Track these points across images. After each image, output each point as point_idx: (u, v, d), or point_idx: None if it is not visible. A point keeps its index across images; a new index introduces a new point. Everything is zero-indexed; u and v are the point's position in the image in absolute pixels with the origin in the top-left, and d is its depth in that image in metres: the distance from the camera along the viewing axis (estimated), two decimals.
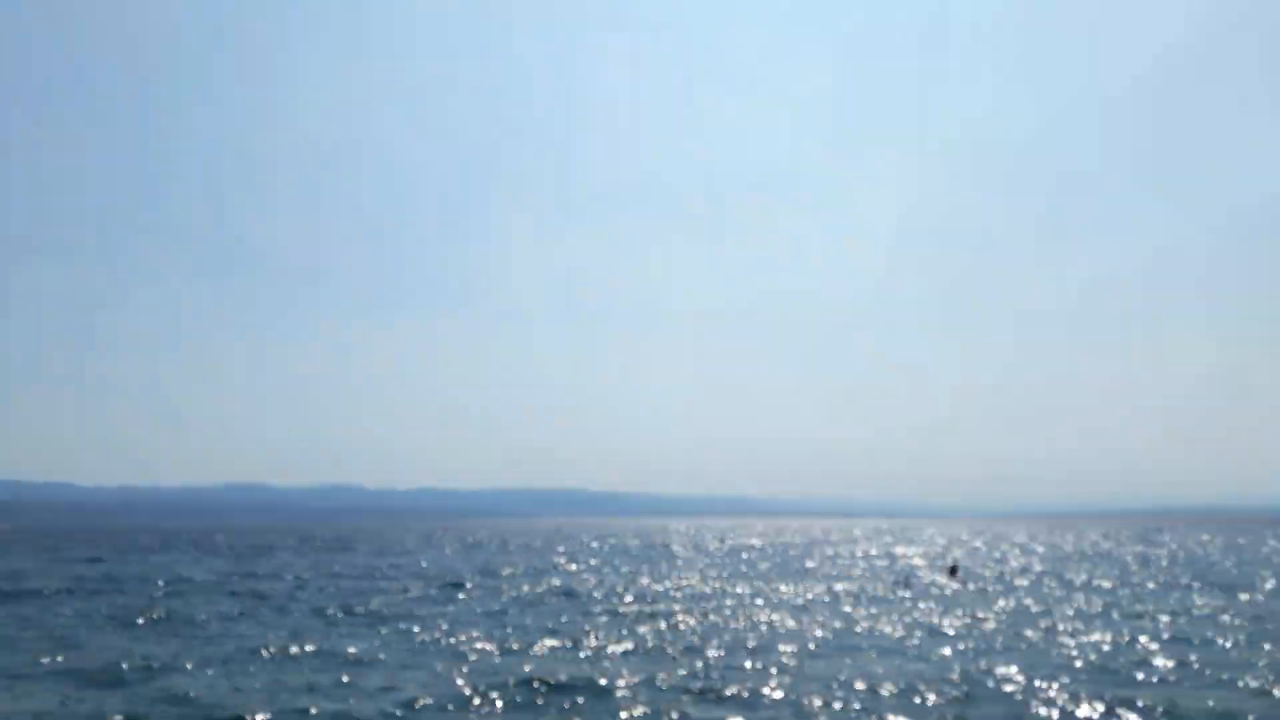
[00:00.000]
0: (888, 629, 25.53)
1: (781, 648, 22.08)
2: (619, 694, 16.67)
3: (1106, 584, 40.63)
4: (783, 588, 39.44)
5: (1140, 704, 15.50)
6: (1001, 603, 32.73)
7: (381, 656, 20.90)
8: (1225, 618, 27.52)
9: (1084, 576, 45.36)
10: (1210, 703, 15.79)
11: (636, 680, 17.87)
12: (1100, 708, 15.41)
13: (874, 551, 77.93)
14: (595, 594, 35.95)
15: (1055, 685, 17.23)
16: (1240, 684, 17.35)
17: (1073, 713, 15.26)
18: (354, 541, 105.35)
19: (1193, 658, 20.26)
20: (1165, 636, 23.63)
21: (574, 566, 55.10)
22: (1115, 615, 28.46)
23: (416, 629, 25.68)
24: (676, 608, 30.91)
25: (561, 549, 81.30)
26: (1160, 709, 15.28)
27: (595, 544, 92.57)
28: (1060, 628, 25.44)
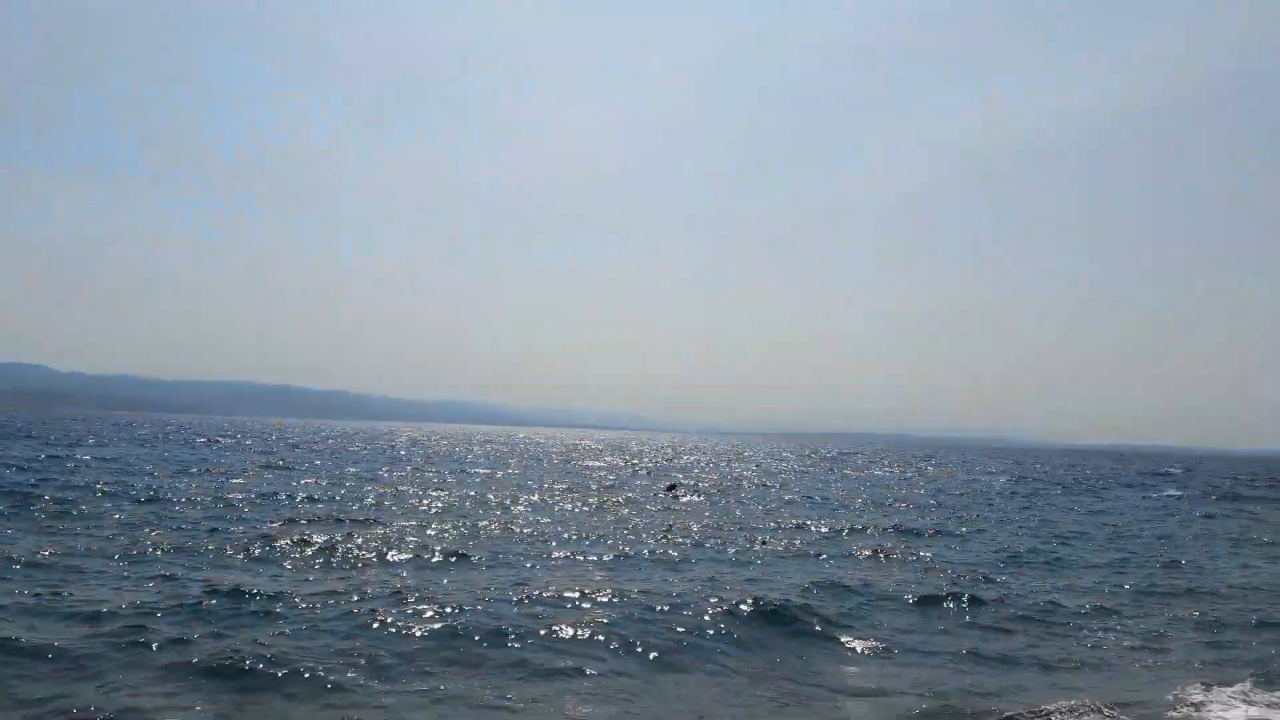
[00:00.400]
0: (600, 536, 26.50)
1: (491, 552, 22.26)
2: (302, 605, 15.93)
3: (814, 496, 44.81)
4: (499, 495, 39.85)
5: (798, 605, 17.13)
6: (709, 514, 35.09)
7: (48, 561, 18.71)
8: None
9: (795, 492, 49.83)
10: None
11: (332, 588, 17.26)
12: (753, 608, 16.82)
13: (597, 463, 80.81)
14: (297, 498, 34.43)
15: (737, 585, 18.69)
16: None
17: (735, 606, 16.54)
18: (24, 428, 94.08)
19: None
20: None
21: (280, 467, 52.51)
22: (818, 526, 31.52)
23: (90, 532, 23.26)
24: (381, 516, 30.33)
25: (267, 449, 77.22)
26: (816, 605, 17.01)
27: (317, 446, 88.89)
28: (765, 539, 27.71)
